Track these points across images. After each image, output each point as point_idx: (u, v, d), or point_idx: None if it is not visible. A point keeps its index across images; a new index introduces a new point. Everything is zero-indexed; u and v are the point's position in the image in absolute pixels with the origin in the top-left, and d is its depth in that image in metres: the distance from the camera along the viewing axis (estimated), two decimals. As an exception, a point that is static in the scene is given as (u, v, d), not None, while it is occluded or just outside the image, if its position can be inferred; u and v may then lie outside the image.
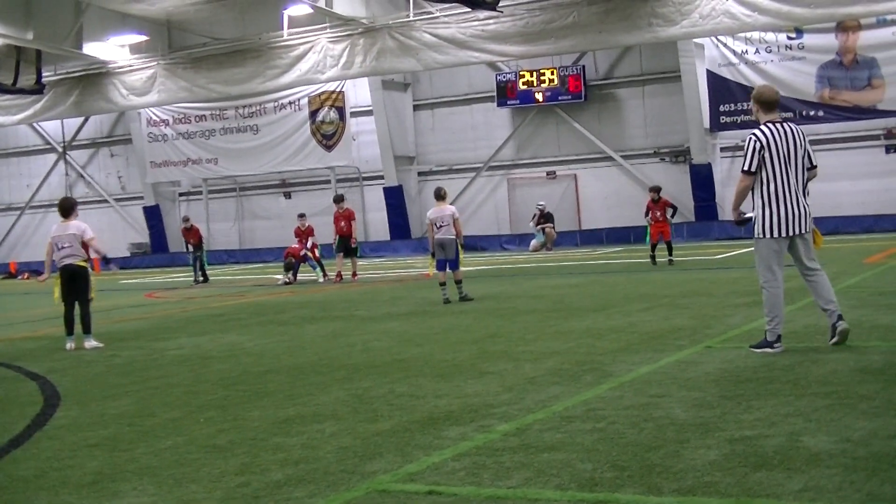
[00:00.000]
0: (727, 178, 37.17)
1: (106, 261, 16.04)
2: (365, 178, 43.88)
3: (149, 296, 26.39)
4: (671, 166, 38.49)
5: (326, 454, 6.88)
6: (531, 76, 39.03)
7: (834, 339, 9.87)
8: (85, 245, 14.90)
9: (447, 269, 18.24)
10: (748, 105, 35.42)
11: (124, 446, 7.59)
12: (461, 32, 34.55)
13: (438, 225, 18.24)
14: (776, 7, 30.32)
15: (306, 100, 43.32)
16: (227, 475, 6.51)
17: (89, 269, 15.00)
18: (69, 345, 14.64)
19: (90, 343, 14.64)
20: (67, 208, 15.12)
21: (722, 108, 36.36)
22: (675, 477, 5.73)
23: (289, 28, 37.57)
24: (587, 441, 6.70)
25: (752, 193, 9.85)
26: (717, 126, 36.66)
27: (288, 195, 46.30)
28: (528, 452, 6.53)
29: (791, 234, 9.68)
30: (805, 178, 9.77)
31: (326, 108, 42.93)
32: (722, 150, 37.46)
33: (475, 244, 39.65)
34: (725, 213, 36.75)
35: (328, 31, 37.00)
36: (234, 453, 7.09)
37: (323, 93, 42.73)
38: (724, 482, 5.56)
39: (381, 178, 42.44)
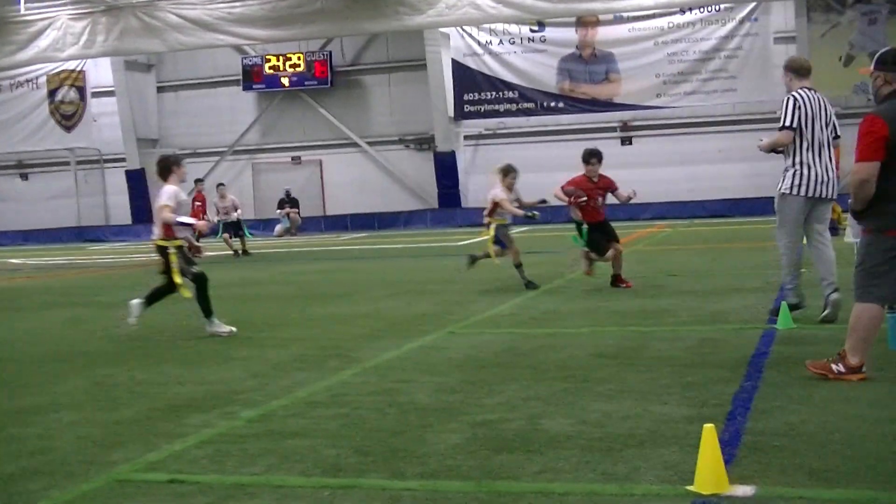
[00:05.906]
0: (471, 166, 37.85)
1: None
2: (106, 161, 42.63)
3: None
4: (416, 154, 38.94)
5: (64, 444, 6.65)
6: (277, 60, 38.77)
7: (826, 312, 9.71)
8: None
9: None
10: (492, 94, 36.37)
11: None
12: (207, 14, 34.08)
13: None
14: (520, 0, 31.10)
15: (44, 78, 41.84)
16: (-46, 469, 6.22)
17: None
18: None
19: None
20: None
21: (466, 98, 36.96)
22: (419, 461, 5.79)
23: (26, 2, 36.07)
24: (332, 427, 6.71)
25: (785, 153, 9.81)
26: (461, 115, 37.26)
27: (25, 177, 44.54)
28: (272, 439, 6.48)
29: (820, 196, 9.73)
30: (830, 146, 9.84)
31: (66, 88, 41.63)
32: (465, 138, 38.09)
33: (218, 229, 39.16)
34: (468, 200, 37.42)
35: (69, 7, 35.82)
36: (-37, 446, 6.78)
37: (62, 71, 41.39)
38: (467, 465, 5.66)
39: (124, 160, 41.35)
